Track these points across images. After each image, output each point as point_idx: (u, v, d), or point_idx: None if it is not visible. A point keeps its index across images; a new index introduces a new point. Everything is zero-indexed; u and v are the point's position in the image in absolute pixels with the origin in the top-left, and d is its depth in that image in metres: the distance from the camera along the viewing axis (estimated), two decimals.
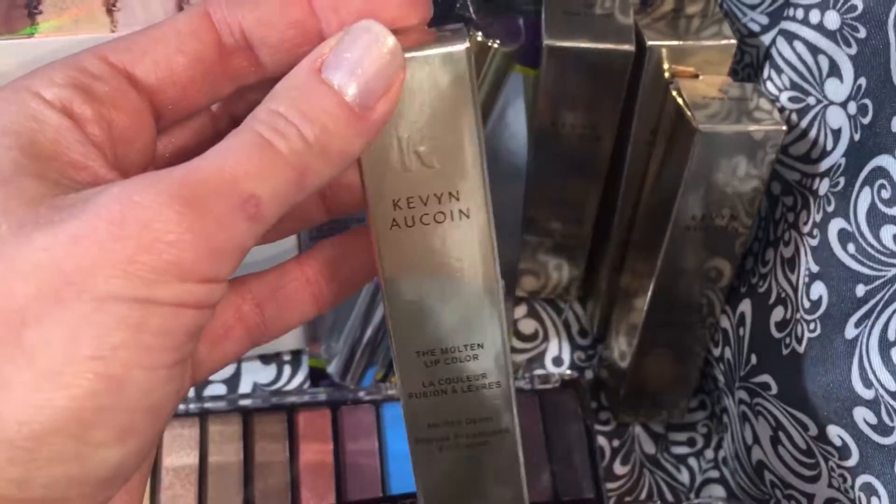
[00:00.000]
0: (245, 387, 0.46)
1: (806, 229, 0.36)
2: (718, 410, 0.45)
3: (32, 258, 0.19)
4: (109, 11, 0.33)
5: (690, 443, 0.47)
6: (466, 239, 0.24)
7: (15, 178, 0.20)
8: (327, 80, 0.21)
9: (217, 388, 0.46)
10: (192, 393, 0.45)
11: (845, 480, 0.34)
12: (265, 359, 0.47)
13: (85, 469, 0.20)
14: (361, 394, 0.45)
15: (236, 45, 0.23)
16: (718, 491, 0.45)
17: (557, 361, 0.49)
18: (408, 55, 0.21)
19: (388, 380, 0.46)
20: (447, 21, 0.38)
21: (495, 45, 0.37)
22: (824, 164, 0.35)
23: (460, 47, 0.22)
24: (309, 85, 0.21)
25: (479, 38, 0.37)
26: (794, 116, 0.36)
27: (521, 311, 0.50)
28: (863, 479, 0.33)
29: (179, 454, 0.43)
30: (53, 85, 0.21)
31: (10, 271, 0.19)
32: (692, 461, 0.46)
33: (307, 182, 0.21)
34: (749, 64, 0.39)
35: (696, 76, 0.38)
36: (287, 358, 0.47)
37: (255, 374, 0.46)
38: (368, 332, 0.43)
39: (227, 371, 0.46)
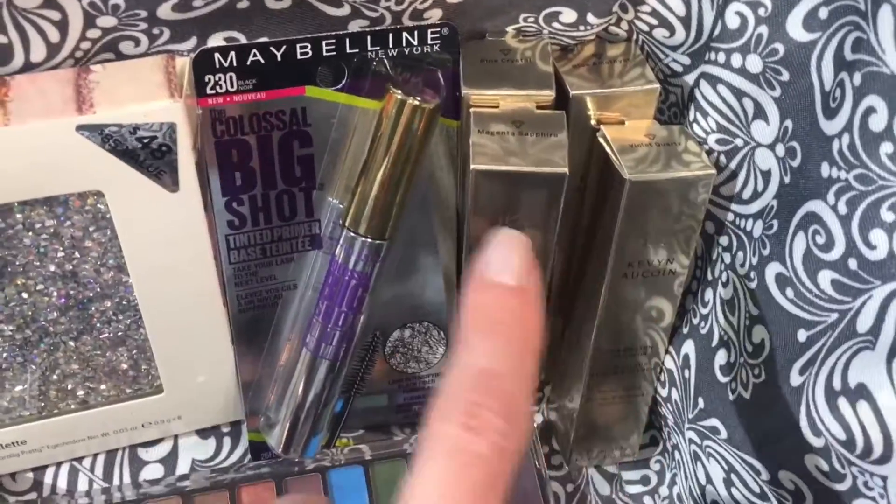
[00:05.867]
0: (183, 465, 0.44)
1: (743, 271, 0.35)
2: (670, 447, 0.45)
3: None
4: (1, 103, 0.31)
5: (644, 481, 0.46)
6: None
7: None
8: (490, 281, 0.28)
9: (154, 470, 0.44)
10: (126, 478, 0.43)
11: None
12: (203, 433, 0.45)
13: None
14: (306, 462, 0.44)
15: None
16: None
17: None
18: None
19: (333, 445, 0.45)
20: (364, 76, 0.37)
21: (416, 102, 0.35)
22: (756, 206, 0.35)
23: None
24: (478, 290, 0.27)
25: (399, 97, 0.35)
26: (722, 158, 0.36)
27: None
28: None
29: None
30: None
31: None
32: (647, 500, 0.46)
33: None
34: (674, 103, 0.39)
35: (622, 122, 0.37)
36: (226, 430, 0.45)
37: (192, 451, 0.44)
38: (310, 399, 0.41)
39: (164, 449, 0.44)
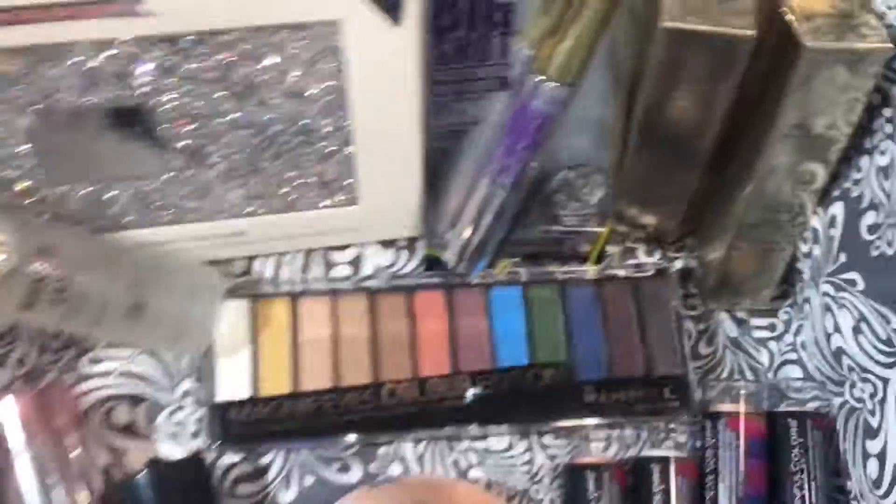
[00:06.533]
0: (367, 268, 0.51)
1: None
2: (801, 300, 0.49)
3: None
4: None
5: (771, 328, 0.51)
6: None
7: None
8: None
9: (343, 270, 0.51)
10: (321, 272, 0.51)
11: None
12: (385, 244, 0.51)
13: None
14: (472, 278, 0.50)
15: None
16: (795, 371, 0.49)
17: (649, 252, 0.53)
18: None
19: (494, 266, 0.51)
20: None
21: None
22: None
23: None
24: None
25: None
26: None
27: None
28: None
29: (314, 328, 0.48)
30: None
31: None
32: (772, 344, 0.51)
33: None
34: None
35: None
36: (403, 244, 0.52)
37: (376, 258, 0.51)
38: (483, 224, 0.47)
39: (350, 253, 0.51)
